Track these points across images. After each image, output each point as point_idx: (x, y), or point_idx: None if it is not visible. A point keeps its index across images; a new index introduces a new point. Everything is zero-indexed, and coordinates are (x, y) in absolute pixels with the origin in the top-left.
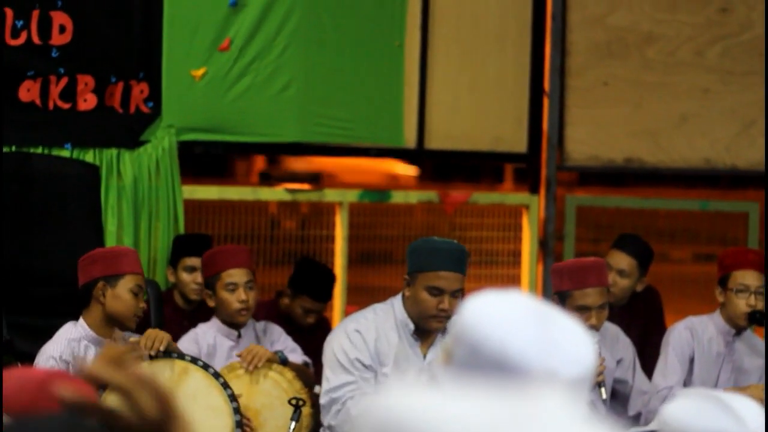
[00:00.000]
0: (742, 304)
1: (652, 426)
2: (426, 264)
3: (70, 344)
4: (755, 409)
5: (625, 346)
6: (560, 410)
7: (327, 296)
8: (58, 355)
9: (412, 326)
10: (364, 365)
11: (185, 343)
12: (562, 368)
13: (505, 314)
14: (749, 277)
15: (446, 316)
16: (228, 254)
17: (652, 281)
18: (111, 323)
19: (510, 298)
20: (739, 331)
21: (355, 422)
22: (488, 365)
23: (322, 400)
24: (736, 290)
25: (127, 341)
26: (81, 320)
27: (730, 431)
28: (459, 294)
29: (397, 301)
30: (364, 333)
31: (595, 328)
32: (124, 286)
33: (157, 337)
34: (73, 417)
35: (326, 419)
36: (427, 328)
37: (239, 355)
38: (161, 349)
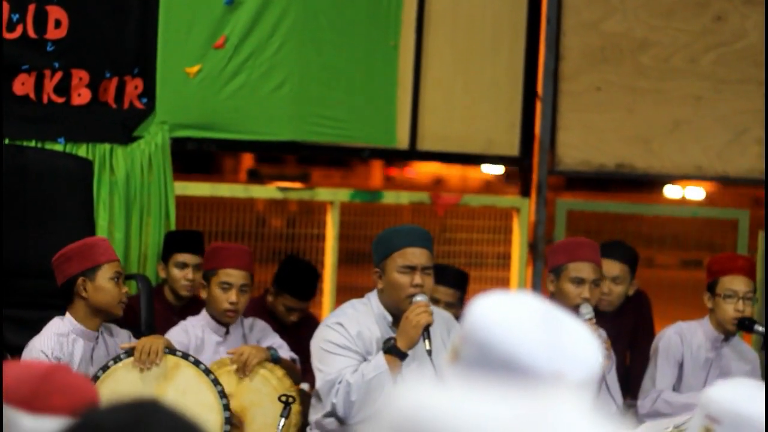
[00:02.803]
0: (731, 309)
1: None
2: (391, 246)
3: (59, 339)
4: None
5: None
6: (573, 410)
7: (309, 295)
8: (49, 351)
9: (390, 318)
10: (353, 351)
11: (175, 334)
12: (569, 370)
13: (514, 315)
14: (737, 283)
15: (423, 292)
16: (230, 253)
17: (639, 286)
18: (97, 314)
19: (518, 300)
20: (727, 336)
21: (365, 409)
22: (496, 365)
23: (320, 388)
24: (725, 295)
25: (129, 339)
26: (67, 315)
27: None
28: (429, 272)
29: (373, 295)
30: (347, 325)
31: (588, 302)
32: (104, 276)
33: (152, 348)
34: (139, 410)
35: (318, 410)
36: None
37: (231, 353)
38: (157, 363)
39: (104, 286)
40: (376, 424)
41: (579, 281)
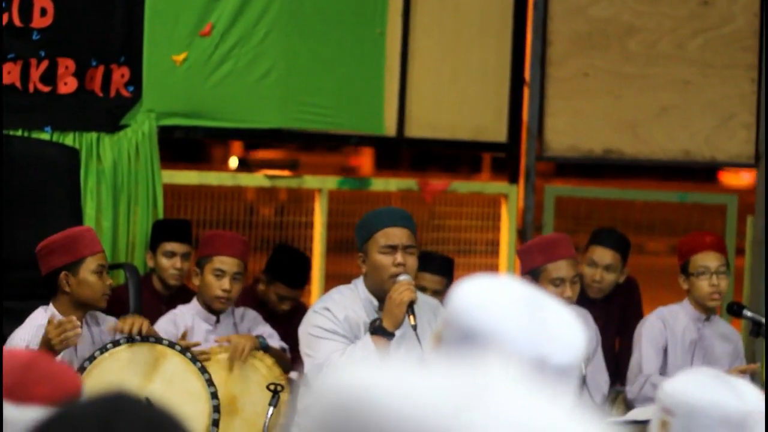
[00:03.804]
0: (706, 285)
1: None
2: (372, 227)
3: (38, 331)
4: (753, 388)
5: (593, 337)
6: (509, 381)
7: (301, 283)
8: (26, 343)
9: (375, 302)
10: (340, 335)
11: (163, 324)
12: (552, 354)
13: (496, 299)
14: (708, 258)
15: (405, 272)
16: (225, 240)
17: (629, 273)
18: (80, 307)
19: (501, 284)
20: (708, 316)
21: (311, 397)
22: (478, 349)
23: (308, 372)
24: (698, 273)
25: (111, 323)
26: (51, 306)
27: (732, 405)
28: (412, 251)
29: (359, 281)
30: (334, 310)
31: (570, 300)
32: (87, 270)
33: (136, 321)
34: (113, 401)
35: (306, 395)
36: None
37: (218, 341)
38: (142, 331)
39: (87, 279)
40: (314, 402)
41: (559, 281)
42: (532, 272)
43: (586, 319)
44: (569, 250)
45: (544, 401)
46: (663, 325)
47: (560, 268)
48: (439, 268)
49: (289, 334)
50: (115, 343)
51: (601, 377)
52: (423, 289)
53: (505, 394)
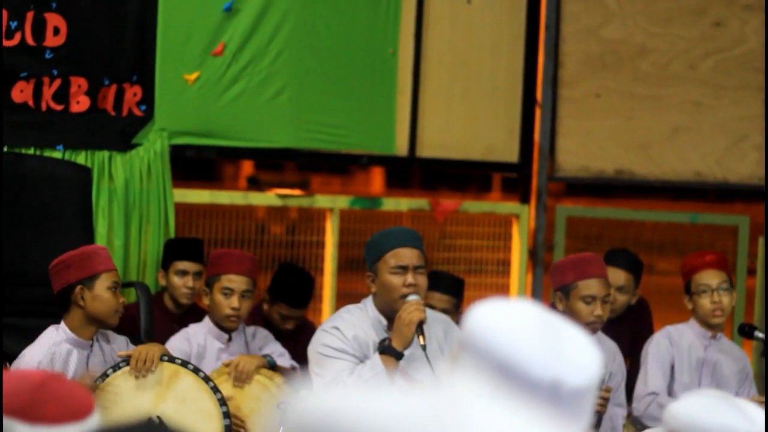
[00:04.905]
0: (707, 302)
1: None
2: (382, 248)
3: (50, 349)
4: (760, 412)
5: (619, 367)
6: (484, 403)
7: (303, 303)
8: (37, 362)
9: (385, 322)
10: (350, 354)
11: (177, 342)
12: (567, 377)
13: (512, 322)
14: (708, 276)
15: (415, 292)
16: (233, 259)
17: (641, 294)
18: (93, 324)
19: (517, 307)
20: (714, 334)
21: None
22: (494, 372)
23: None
24: (699, 291)
25: (126, 345)
26: (62, 324)
27: (740, 427)
28: (422, 271)
29: (368, 301)
30: (343, 329)
31: (600, 318)
32: (101, 286)
33: (148, 356)
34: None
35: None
36: None
37: (226, 364)
38: (153, 370)
39: (102, 295)
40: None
41: (590, 299)
42: (563, 288)
43: (615, 352)
44: (602, 270)
45: (519, 419)
46: (669, 342)
47: (591, 286)
48: (448, 288)
49: (297, 353)
50: (127, 361)
51: (620, 410)
52: (432, 308)
53: (480, 412)
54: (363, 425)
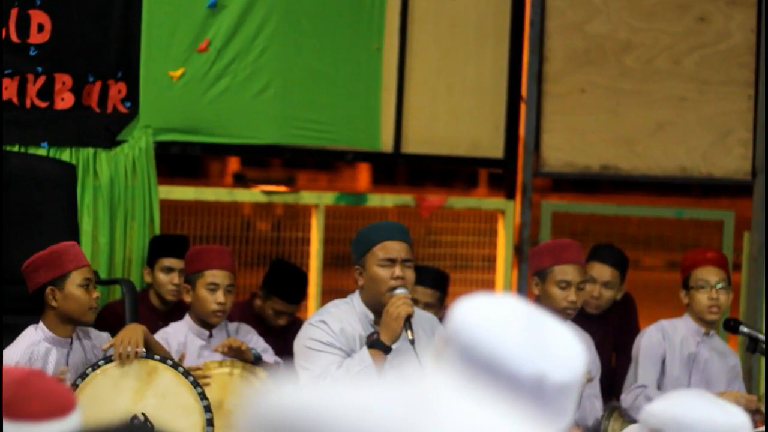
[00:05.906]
0: (704, 298)
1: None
2: (370, 241)
3: (28, 349)
4: (738, 407)
5: (594, 362)
6: (456, 394)
7: (298, 299)
8: (15, 362)
9: (371, 316)
10: (337, 348)
11: None
12: (551, 372)
13: (496, 318)
14: (708, 273)
15: (403, 285)
16: (213, 254)
17: (627, 290)
18: (69, 322)
19: (501, 302)
20: (707, 331)
21: (250, 416)
22: (478, 368)
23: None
24: (697, 286)
25: (106, 339)
26: (41, 323)
27: (721, 419)
28: (410, 264)
29: (355, 295)
30: (330, 323)
31: (574, 305)
32: (72, 284)
33: (131, 340)
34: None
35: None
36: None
37: (217, 350)
38: (138, 350)
39: (73, 293)
40: (251, 422)
41: (565, 284)
42: (540, 273)
43: (587, 345)
44: (578, 256)
45: (495, 414)
46: (662, 336)
47: (567, 272)
48: (432, 282)
49: (286, 349)
50: (107, 360)
51: (597, 402)
52: (415, 302)
53: (452, 406)
54: (332, 419)
